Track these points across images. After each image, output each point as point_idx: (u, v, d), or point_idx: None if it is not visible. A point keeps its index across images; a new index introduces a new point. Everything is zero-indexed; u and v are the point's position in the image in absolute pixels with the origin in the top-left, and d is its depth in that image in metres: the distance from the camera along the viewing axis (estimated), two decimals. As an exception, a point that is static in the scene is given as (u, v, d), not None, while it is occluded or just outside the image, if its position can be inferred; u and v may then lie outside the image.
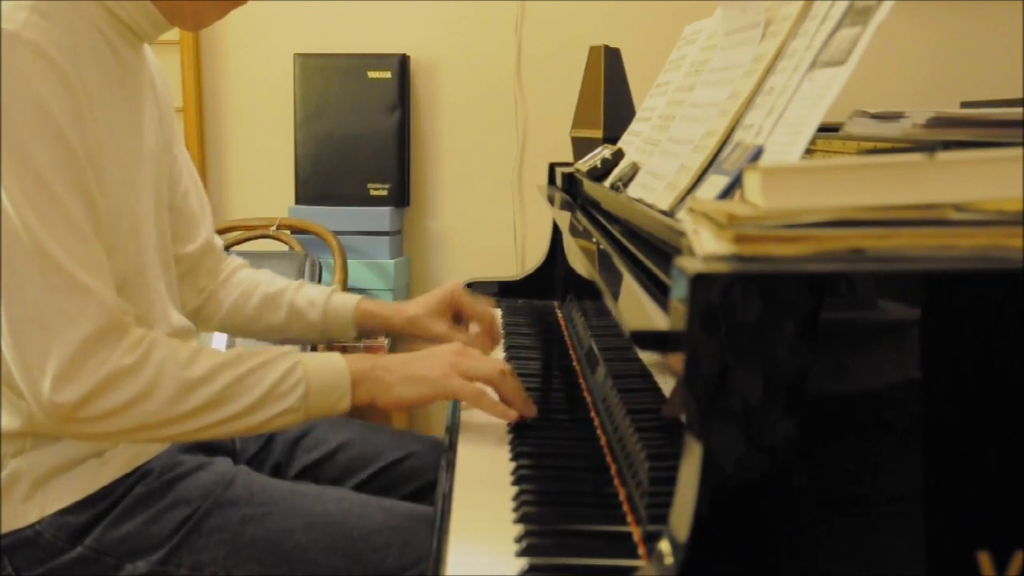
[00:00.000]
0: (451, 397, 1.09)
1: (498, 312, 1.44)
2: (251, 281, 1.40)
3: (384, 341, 2.41)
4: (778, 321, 0.57)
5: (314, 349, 2.29)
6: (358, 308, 1.38)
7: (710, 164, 0.92)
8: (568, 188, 1.63)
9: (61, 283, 0.94)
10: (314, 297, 1.38)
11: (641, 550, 0.80)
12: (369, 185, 2.55)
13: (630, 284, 0.82)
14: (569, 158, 1.96)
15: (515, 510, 0.88)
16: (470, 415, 1.16)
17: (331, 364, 1.06)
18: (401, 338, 1.44)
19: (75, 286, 0.94)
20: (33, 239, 0.93)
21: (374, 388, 1.07)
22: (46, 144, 0.94)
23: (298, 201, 2.56)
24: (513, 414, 1.09)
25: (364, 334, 1.42)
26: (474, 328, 1.37)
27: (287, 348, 1.07)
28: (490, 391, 1.10)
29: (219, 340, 2.21)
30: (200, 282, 1.36)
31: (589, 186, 1.36)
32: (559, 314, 1.63)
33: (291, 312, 1.38)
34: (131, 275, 1.08)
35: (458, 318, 1.38)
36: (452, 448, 1.06)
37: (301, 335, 1.41)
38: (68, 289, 0.94)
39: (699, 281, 0.56)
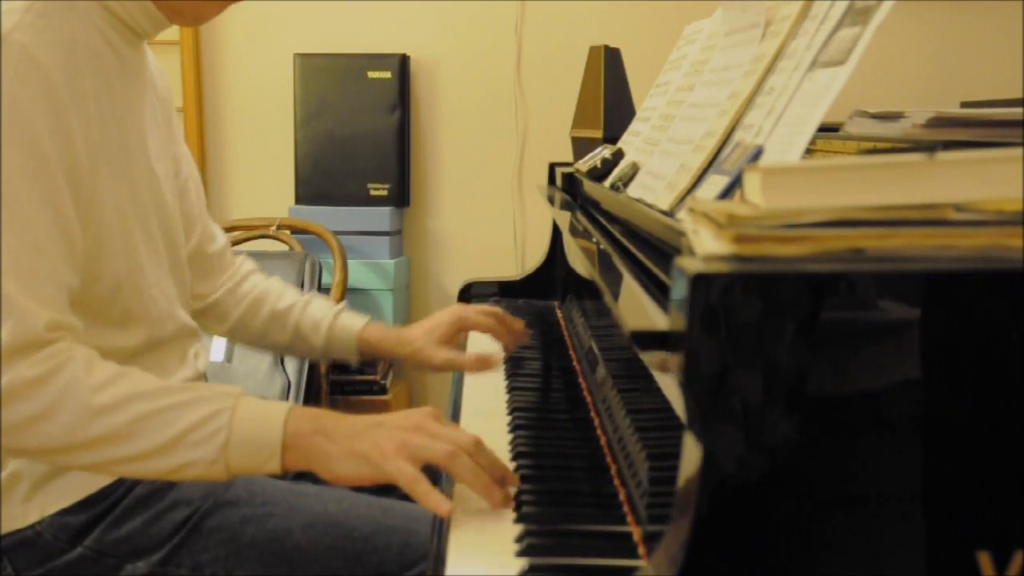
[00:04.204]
0: (390, 482, 0.92)
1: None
2: (259, 293, 1.37)
3: (381, 365, 2.41)
4: (778, 321, 0.57)
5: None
6: (361, 336, 1.34)
7: (710, 164, 0.92)
8: (568, 188, 1.63)
9: None
10: (319, 320, 1.34)
11: (641, 550, 0.80)
12: (369, 185, 2.55)
13: (630, 284, 0.82)
14: (569, 158, 1.96)
15: (515, 510, 0.88)
16: (470, 414, 1.16)
17: (265, 418, 0.94)
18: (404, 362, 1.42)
19: None
20: None
21: (311, 456, 0.94)
22: (17, 148, 0.91)
23: (298, 201, 2.56)
24: (444, 508, 0.88)
25: (367, 360, 1.39)
26: (473, 348, 1.37)
27: (230, 388, 0.96)
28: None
29: (218, 341, 2.21)
30: (194, 287, 1.31)
31: (589, 186, 1.36)
32: (559, 314, 1.63)
33: (296, 334, 1.35)
34: (131, 274, 1.08)
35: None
36: (452, 448, 1.05)
37: (305, 355, 1.42)
38: None
39: (699, 281, 0.56)
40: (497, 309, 1.39)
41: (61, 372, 0.91)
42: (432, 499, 0.88)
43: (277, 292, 1.38)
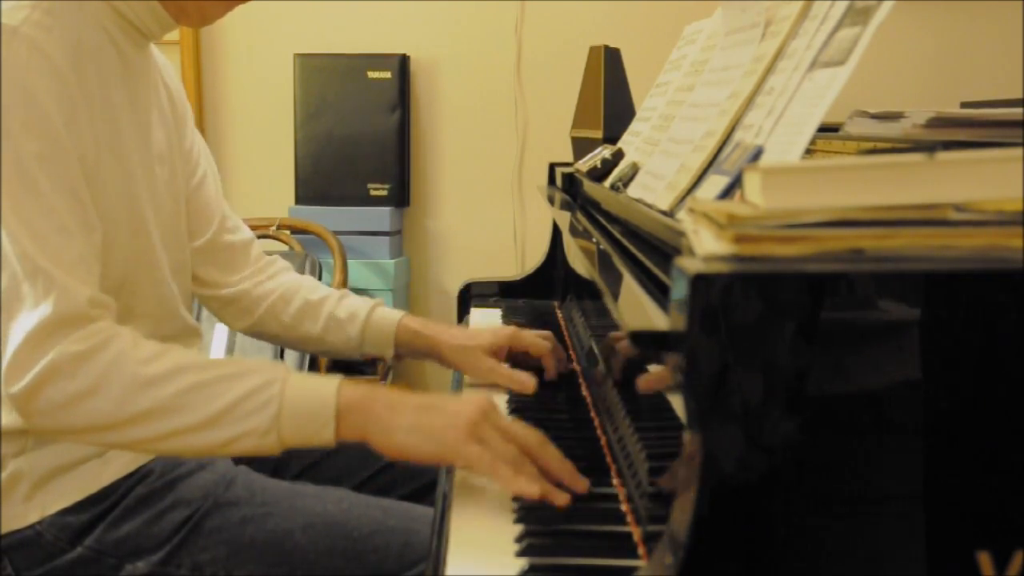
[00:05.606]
0: (463, 466, 0.92)
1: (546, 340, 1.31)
2: (291, 285, 1.33)
3: (381, 366, 2.39)
4: (778, 321, 0.57)
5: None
6: (400, 325, 1.29)
7: (710, 164, 0.92)
8: (568, 188, 1.63)
9: (24, 270, 0.91)
10: (355, 310, 1.30)
11: (641, 550, 0.80)
12: (369, 185, 2.55)
13: (630, 284, 0.82)
14: (569, 158, 1.96)
15: (515, 510, 0.88)
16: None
17: (318, 386, 0.94)
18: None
19: (38, 273, 0.91)
20: (2, 225, 0.91)
21: (368, 424, 0.92)
22: (34, 135, 0.92)
23: (298, 201, 2.56)
24: (535, 490, 0.86)
25: (404, 354, 1.31)
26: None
27: (277, 362, 0.98)
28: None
29: (218, 341, 2.21)
30: (212, 276, 1.31)
31: (589, 186, 1.36)
32: (559, 314, 1.63)
33: (330, 323, 1.30)
34: (136, 272, 1.08)
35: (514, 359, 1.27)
36: (452, 448, 1.05)
37: (337, 349, 1.32)
38: (31, 276, 0.91)
39: (699, 281, 0.56)
40: (550, 335, 1.31)
41: (108, 347, 0.91)
42: (519, 483, 0.87)
43: (311, 285, 1.35)
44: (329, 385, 0.94)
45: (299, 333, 1.32)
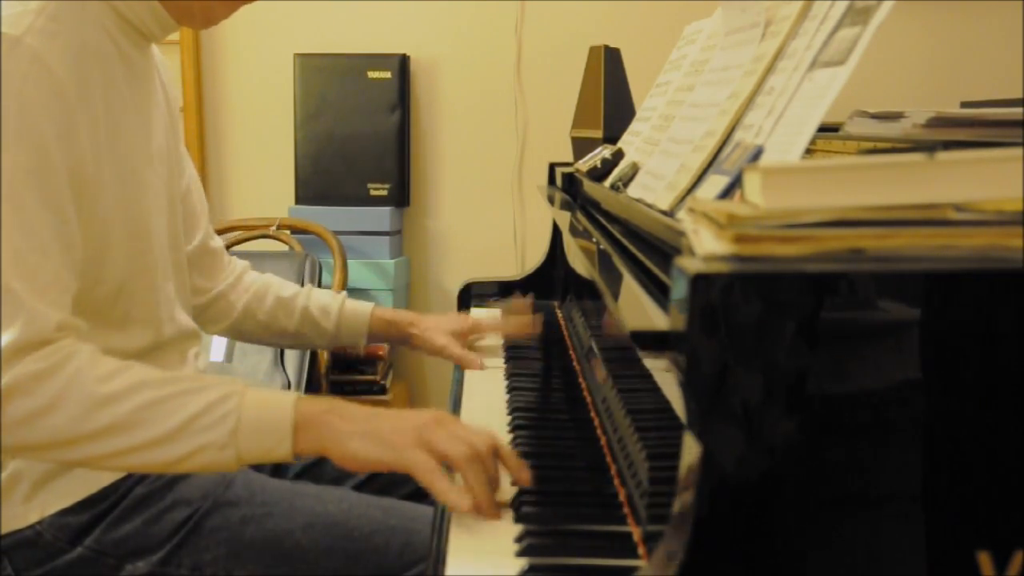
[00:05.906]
0: (406, 471, 0.92)
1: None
2: (262, 284, 1.41)
3: (384, 344, 2.41)
4: (778, 321, 0.57)
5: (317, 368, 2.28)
6: (373, 316, 1.41)
7: (710, 164, 0.92)
8: (568, 188, 1.63)
9: None
10: (327, 304, 1.40)
11: (641, 550, 0.80)
12: (369, 185, 2.55)
13: (630, 284, 0.82)
14: (569, 158, 1.96)
15: (515, 510, 0.88)
16: (469, 414, 1.16)
17: (275, 401, 0.94)
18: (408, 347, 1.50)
19: (7, 295, 0.90)
20: None
21: (324, 436, 0.93)
22: (24, 150, 0.92)
23: (298, 201, 2.56)
24: (464, 505, 0.87)
25: (375, 342, 1.45)
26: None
27: (235, 379, 0.96)
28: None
29: (218, 342, 2.21)
30: (196, 283, 1.34)
31: (589, 186, 1.36)
32: (559, 314, 1.63)
33: (304, 319, 1.39)
34: (134, 277, 1.08)
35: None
36: (452, 448, 1.05)
37: (313, 342, 1.43)
38: (1, 297, 0.90)
39: (699, 281, 0.56)
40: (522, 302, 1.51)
41: (66, 365, 0.91)
42: (451, 496, 0.88)
43: (279, 282, 1.43)
44: (286, 400, 0.95)
45: (275, 329, 1.40)
